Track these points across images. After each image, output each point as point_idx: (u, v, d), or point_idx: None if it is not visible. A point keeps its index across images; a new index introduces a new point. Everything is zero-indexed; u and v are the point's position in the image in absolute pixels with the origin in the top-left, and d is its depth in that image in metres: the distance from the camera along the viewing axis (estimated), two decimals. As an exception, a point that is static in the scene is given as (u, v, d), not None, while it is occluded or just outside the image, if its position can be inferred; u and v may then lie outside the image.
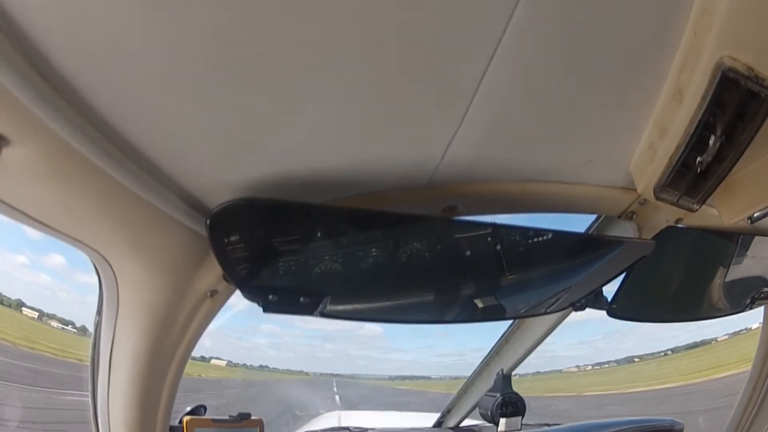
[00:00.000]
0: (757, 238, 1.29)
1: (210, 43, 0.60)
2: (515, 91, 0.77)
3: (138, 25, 0.57)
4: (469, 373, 2.10)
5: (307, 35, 0.61)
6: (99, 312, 1.05)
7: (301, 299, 0.95)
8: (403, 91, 0.73)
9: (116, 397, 1.04)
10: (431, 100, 0.76)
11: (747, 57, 0.68)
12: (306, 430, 2.57)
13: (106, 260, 0.91)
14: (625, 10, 0.65)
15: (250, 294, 0.96)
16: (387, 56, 0.66)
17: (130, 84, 0.65)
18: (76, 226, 0.84)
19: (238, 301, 1.02)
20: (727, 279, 1.36)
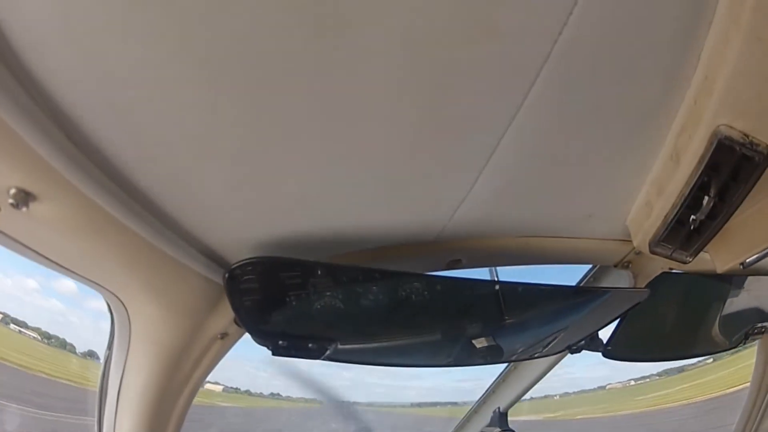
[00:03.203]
0: (752, 277, 1.32)
1: (236, 107, 0.63)
2: (527, 157, 0.80)
3: (165, 87, 0.60)
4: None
5: (330, 97, 0.64)
6: (110, 346, 1.08)
7: (310, 345, 0.98)
8: (422, 155, 0.77)
9: (122, 427, 1.05)
10: (447, 165, 0.80)
11: (743, 124, 0.71)
12: None
13: (121, 301, 0.94)
14: (632, 79, 0.68)
15: (260, 339, 0.99)
16: (408, 122, 0.69)
17: (154, 144, 0.68)
18: (96, 271, 0.88)
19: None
20: (721, 318, 1.39)
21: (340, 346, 1.01)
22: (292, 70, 0.59)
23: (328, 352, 1.00)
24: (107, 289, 0.92)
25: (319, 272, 0.91)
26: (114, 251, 0.83)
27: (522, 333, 1.17)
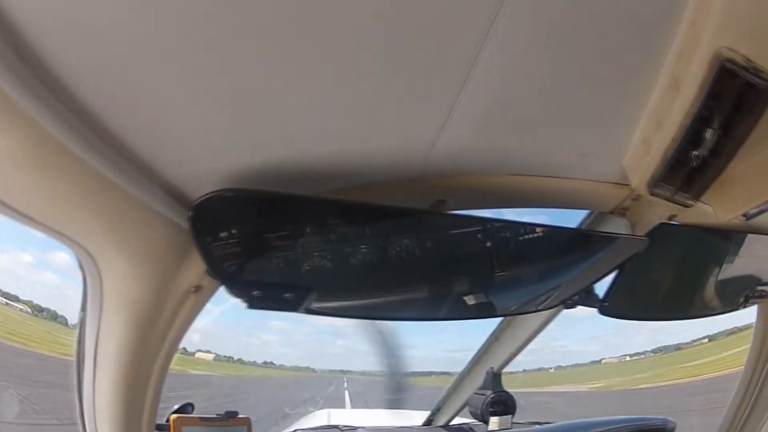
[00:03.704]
0: (749, 236, 1.28)
1: (194, 26, 0.58)
2: (507, 80, 0.74)
3: (122, 8, 0.55)
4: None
5: (292, 20, 0.59)
6: (83, 308, 1.02)
7: (286, 295, 0.92)
8: (391, 78, 0.71)
9: (101, 393, 1.02)
10: (420, 88, 0.74)
11: (746, 48, 0.67)
12: (296, 428, 2.55)
13: (90, 254, 0.88)
14: None
15: (234, 290, 0.93)
16: (374, 40, 0.64)
17: (111, 69, 0.63)
18: (59, 218, 0.81)
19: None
20: (721, 277, 1.35)
21: (318, 297, 0.95)
22: None
23: (305, 303, 0.94)
24: (73, 240, 0.86)
25: (296, 207, 0.85)
26: (73, 190, 0.76)
27: (515, 282, 1.11)
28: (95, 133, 0.70)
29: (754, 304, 1.50)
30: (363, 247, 0.92)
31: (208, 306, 1.07)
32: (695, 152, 0.81)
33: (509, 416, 1.46)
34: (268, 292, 0.92)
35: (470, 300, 1.05)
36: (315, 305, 0.96)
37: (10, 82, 0.56)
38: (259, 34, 0.61)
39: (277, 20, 0.59)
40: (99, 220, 0.83)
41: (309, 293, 0.93)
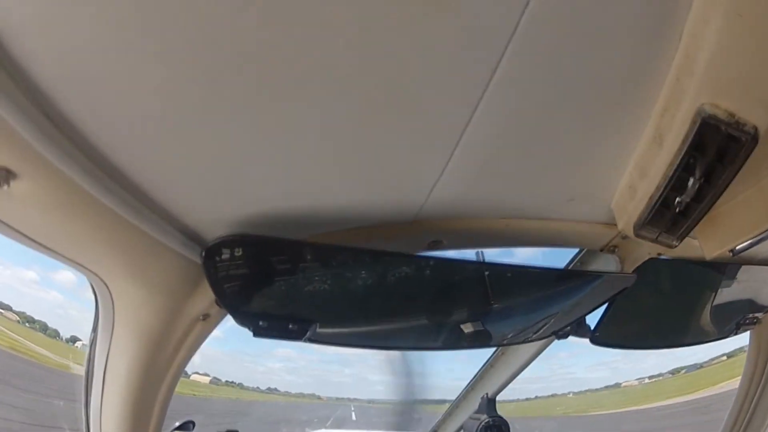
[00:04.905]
0: (743, 266, 1.31)
1: (203, 88, 0.64)
2: (500, 134, 0.79)
3: (135, 69, 0.60)
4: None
5: (292, 78, 0.63)
6: (95, 329, 1.08)
7: (290, 326, 0.98)
8: (391, 133, 0.76)
9: (108, 411, 1.07)
10: (418, 142, 0.78)
11: (729, 103, 0.68)
12: None
13: (104, 282, 0.95)
14: (609, 54, 0.66)
15: (241, 319, 0.99)
16: (374, 99, 0.68)
17: (129, 125, 0.69)
18: (77, 251, 0.88)
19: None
20: (712, 306, 1.38)
21: (321, 327, 1.01)
22: (246, 47, 0.59)
23: (308, 334, 0.99)
24: (89, 270, 0.92)
25: (297, 251, 0.92)
26: (94, 230, 0.83)
27: (508, 316, 1.16)
28: (116, 181, 0.77)
29: (746, 330, 1.53)
30: (360, 284, 0.98)
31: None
32: (678, 199, 0.84)
33: (503, 441, 1.49)
34: (273, 323, 0.98)
35: (466, 331, 1.10)
36: (317, 336, 1.01)
37: (37, 138, 0.63)
38: (262, 97, 0.66)
39: (278, 85, 0.64)
40: (116, 254, 0.90)
41: (311, 325, 0.99)
